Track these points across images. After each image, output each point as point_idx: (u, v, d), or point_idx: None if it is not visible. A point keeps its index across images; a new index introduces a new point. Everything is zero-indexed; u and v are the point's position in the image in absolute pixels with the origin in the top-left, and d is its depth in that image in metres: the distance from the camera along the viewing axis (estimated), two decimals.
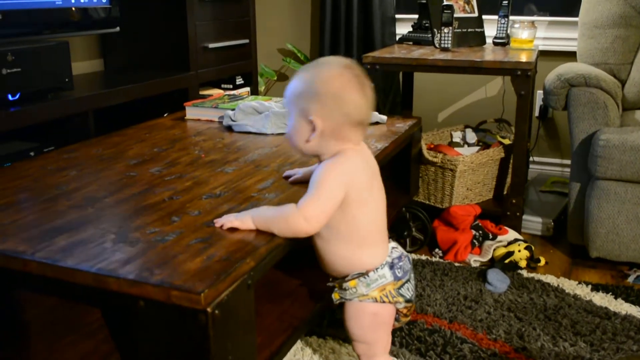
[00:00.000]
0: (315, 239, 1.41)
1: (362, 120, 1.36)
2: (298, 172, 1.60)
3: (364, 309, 1.44)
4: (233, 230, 1.27)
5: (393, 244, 1.47)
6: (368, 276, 1.40)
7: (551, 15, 3.37)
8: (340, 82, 1.32)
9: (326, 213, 1.30)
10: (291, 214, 1.28)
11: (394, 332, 1.62)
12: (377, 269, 1.40)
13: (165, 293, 1.04)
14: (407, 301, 1.44)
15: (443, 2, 2.86)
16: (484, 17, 3.05)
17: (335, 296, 1.47)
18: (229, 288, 1.09)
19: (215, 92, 3.09)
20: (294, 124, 1.37)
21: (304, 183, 1.48)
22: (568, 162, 2.64)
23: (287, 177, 1.61)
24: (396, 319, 1.49)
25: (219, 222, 1.30)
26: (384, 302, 1.42)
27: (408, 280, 1.44)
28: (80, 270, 1.11)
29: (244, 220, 1.29)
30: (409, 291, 1.44)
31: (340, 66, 1.35)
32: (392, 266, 1.42)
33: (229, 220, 1.29)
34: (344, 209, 1.34)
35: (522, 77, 2.48)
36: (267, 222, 1.28)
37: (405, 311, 1.47)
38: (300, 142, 1.38)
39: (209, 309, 1.03)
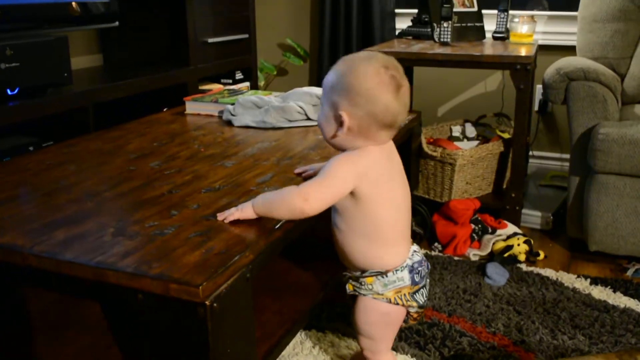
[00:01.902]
0: (334, 232, 1.42)
1: (392, 123, 1.32)
2: (311, 168, 1.58)
3: (376, 307, 1.43)
4: (233, 223, 1.27)
5: (415, 247, 1.45)
6: (387, 276, 1.39)
7: (551, 9, 3.36)
8: (374, 82, 1.29)
9: (326, 197, 1.29)
10: (290, 193, 1.28)
11: None
12: (396, 270, 1.39)
13: (164, 286, 1.05)
14: (420, 307, 1.44)
15: None
16: (483, 11, 3.04)
17: (349, 287, 1.46)
18: (227, 281, 1.09)
19: (215, 86, 3.09)
20: (325, 115, 1.36)
21: None
22: (567, 156, 2.64)
23: (299, 174, 1.58)
24: (404, 321, 1.49)
25: (220, 216, 1.30)
26: (397, 304, 1.41)
27: (424, 286, 1.43)
28: (79, 263, 1.12)
29: (244, 210, 1.29)
30: (423, 297, 1.43)
31: (379, 64, 1.30)
32: (411, 270, 1.40)
33: (231, 214, 1.30)
34: (360, 204, 1.33)
35: (521, 71, 2.48)
36: (267, 205, 1.28)
37: (415, 315, 1.47)
38: (328, 134, 1.36)
39: (207, 302, 1.04)
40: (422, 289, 1.42)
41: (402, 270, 1.39)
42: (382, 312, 1.43)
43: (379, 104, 1.29)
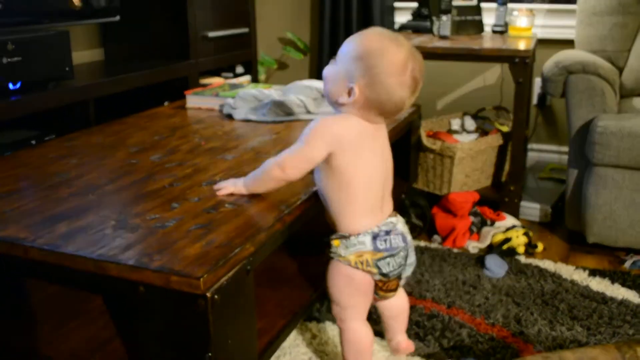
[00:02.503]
0: (319, 192, 1.46)
1: (393, 114, 1.40)
2: None
3: (339, 269, 1.47)
4: (233, 216, 1.29)
5: (393, 218, 1.48)
6: (349, 239, 1.43)
7: (549, 2, 3.37)
8: (398, 76, 1.33)
9: (301, 165, 1.38)
10: (269, 165, 1.39)
11: None
12: (358, 234, 1.42)
13: (165, 278, 1.06)
14: (383, 275, 1.45)
15: None
16: (482, 5, 3.05)
17: (327, 251, 1.50)
18: (228, 273, 1.11)
19: (216, 80, 3.10)
20: (337, 75, 1.39)
21: None
22: (566, 149, 2.65)
23: None
24: (375, 292, 1.50)
25: (216, 186, 1.44)
26: (357, 267, 1.44)
27: (392, 256, 1.44)
28: (80, 256, 1.13)
29: (237, 186, 1.42)
30: (388, 266, 1.44)
31: (409, 58, 1.34)
32: (375, 237, 1.43)
33: (226, 186, 1.42)
34: (333, 171, 1.39)
35: (520, 64, 2.48)
36: (254, 181, 1.41)
37: (380, 285, 1.48)
38: (330, 92, 1.41)
39: (208, 294, 1.05)
40: (388, 258, 1.44)
41: (364, 235, 1.43)
42: (345, 275, 1.46)
43: (393, 98, 1.35)
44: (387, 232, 1.44)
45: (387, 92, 1.34)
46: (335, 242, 1.45)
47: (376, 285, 1.49)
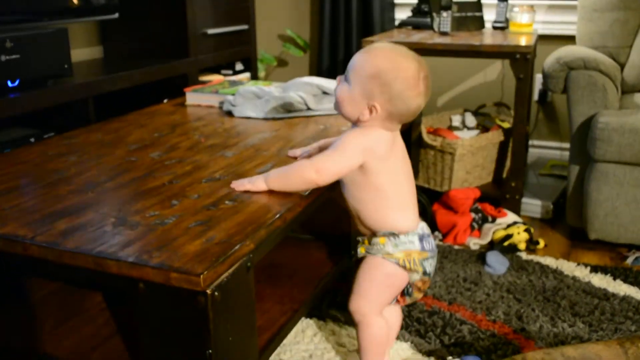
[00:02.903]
0: (347, 199, 1.50)
1: (410, 119, 1.47)
2: (305, 151, 1.64)
3: (384, 266, 1.49)
4: (233, 212, 1.28)
5: (424, 224, 1.53)
6: (398, 237, 1.46)
7: None
8: (414, 88, 1.40)
9: (336, 172, 1.41)
10: (304, 165, 1.39)
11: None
12: (408, 233, 1.47)
13: (164, 275, 1.05)
14: (425, 274, 1.49)
15: None
16: (482, 1, 3.04)
17: (362, 250, 1.53)
18: (228, 270, 1.10)
19: (215, 77, 3.09)
20: (353, 97, 1.43)
21: None
22: (567, 145, 2.64)
23: (295, 157, 1.65)
24: (408, 293, 1.54)
25: (233, 184, 1.42)
26: (404, 266, 1.47)
27: (432, 257, 1.50)
28: (80, 253, 1.12)
29: (255, 183, 1.40)
30: (430, 266, 1.50)
31: (420, 68, 1.41)
32: (421, 238, 1.48)
33: (242, 184, 1.41)
34: (367, 176, 1.44)
35: (521, 60, 2.48)
36: (281, 178, 1.40)
37: (420, 284, 1.51)
38: (352, 114, 1.45)
39: (208, 291, 1.04)
40: (430, 259, 1.50)
41: (413, 235, 1.47)
42: (387, 273, 1.49)
43: (412, 107, 1.42)
44: (428, 235, 1.51)
45: (406, 103, 1.41)
46: (381, 240, 1.48)
47: (412, 286, 1.52)
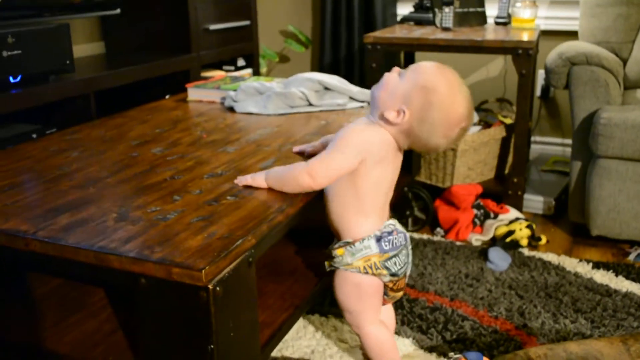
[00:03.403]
0: (324, 196, 1.47)
1: (419, 150, 1.45)
2: (310, 146, 1.62)
3: (348, 278, 1.47)
4: (234, 208, 1.28)
5: (391, 221, 1.48)
6: (354, 246, 1.43)
7: None
8: (450, 129, 1.36)
9: (333, 173, 1.36)
10: (299, 170, 1.35)
11: (395, 309, 1.64)
12: (363, 239, 1.43)
13: (166, 270, 1.05)
14: (393, 275, 1.45)
15: None
16: None
17: (327, 264, 1.51)
18: (230, 265, 1.10)
19: (217, 73, 3.09)
20: (396, 90, 1.39)
21: None
22: (569, 141, 2.64)
23: (298, 153, 1.63)
24: (385, 294, 1.51)
25: (237, 179, 1.41)
26: (367, 273, 1.44)
27: (397, 255, 1.45)
28: (82, 248, 1.12)
29: (256, 179, 1.39)
30: (395, 265, 1.45)
31: (467, 115, 1.37)
32: (379, 239, 1.43)
33: (245, 179, 1.39)
34: (354, 176, 1.39)
35: (523, 56, 2.47)
36: (278, 179, 1.37)
37: (391, 285, 1.48)
38: (383, 103, 1.40)
39: (210, 286, 1.04)
40: (394, 258, 1.45)
41: (368, 240, 1.43)
42: (354, 283, 1.47)
43: (431, 141, 1.38)
44: (390, 233, 1.45)
45: (430, 134, 1.37)
46: (339, 251, 1.45)
47: (386, 286, 1.49)
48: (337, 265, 1.47)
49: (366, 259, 1.43)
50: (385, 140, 1.40)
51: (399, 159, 1.47)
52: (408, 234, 1.52)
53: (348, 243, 1.44)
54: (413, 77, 1.38)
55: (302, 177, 1.34)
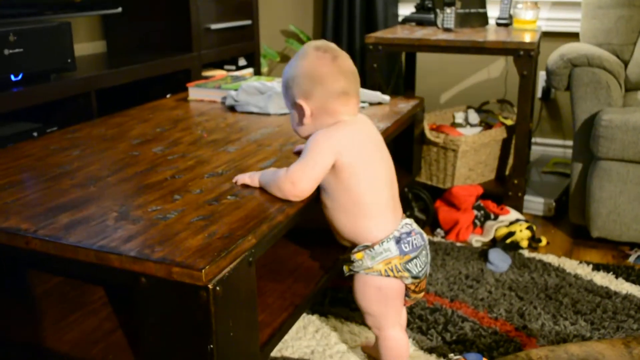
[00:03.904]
0: (323, 210, 1.47)
1: (344, 90, 1.41)
2: None
3: (369, 282, 1.46)
4: (235, 207, 1.28)
5: (407, 220, 1.48)
6: (373, 249, 1.42)
7: None
8: (309, 62, 1.41)
9: (311, 178, 1.36)
10: (281, 178, 1.36)
11: None
12: (382, 242, 1.42)
13: (166, 270, 1.05)
14: (414, 277, 1.45)
15: None
16: None
17: (346, 269, 1.50)
18: (230, 265, 1.10)
19: (218, 73, 3.09)
20: (291, 112, 1.48)
21: None
22: (570, 143, 2.64)
23: (298, 153, 1.64)
24: (406, 295, 1.51)
25: (235, 178, 1.44)
26: (388, 276, 1.43)
27: (417, 257, 1.44)
28: (82, 247, 1.12)
29: (253, 179, 1.41)
30: (416, 267, 1.44)
31: (310, 48, 1.43)
32: (398, 240, 1.42)
33: (243, 178, 1.41)
34: (338, 177, 1.39)
35: (524, 57, 2.47)
36: (266, 184, 1.38)
37: (413, 287, 1.48)
38: (298, 127, 1.47)
39: (210, 286, 1.04)
40: (415, 260, 1.44)
41: (388, 242, 1.42)
42: (375, 287, 1.46)
43: (322, 77, 1.40)
44: (408, 234, 1.44)
45: (312, 78, 1.40)
46: (358, 256, 1.44)
47: (407, 288, 1.49)
48: (357, 270, 1.46)
49: (387, 262, 1.42)
50: (348, 133, 1.41)
51: (378, 144, 1.48)
52: (425, 234, 1.51)
53: (367, 247, 1.43)
54: (282, 85, 1.48)
55: (284, 184, 1.34)
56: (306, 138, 1.45)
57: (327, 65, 1.40)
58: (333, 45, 1.44)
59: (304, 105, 1.41)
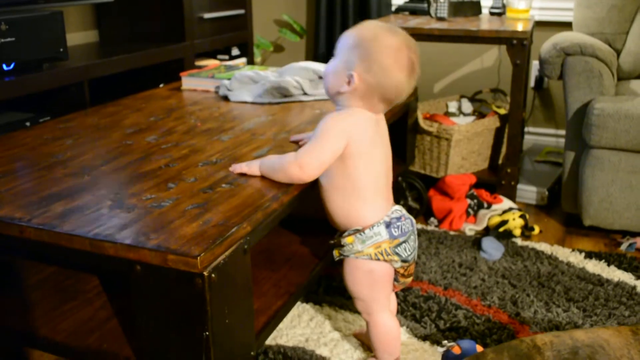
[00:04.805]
0: (319, 189, 1.47)
1: (394, 100, 1.41)
2: (307, 136, 1.62)
3: (359, 266, 1.47)
4: (230, 195, 1.28)
5: (397, 206, 1.49)
6: (364, 233, 1.43)
7: None
8: (395, 58, 1.36)
9: (321, 162, 1.37)
10: (288, 162, 1.36)
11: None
12: (373, 226, 1.43)
13: (161, 257, 1.06)
14: (403, 260, 1.46)
15: None
16: None
17: (336, 253, 1.51)
18: (225, 252, 1.10)
19: (211, 62, 3.08)
20: (335, 68, 1.42)
21: None
22: (563, 132, 2.65)
23: (295, 142, 1.64)
24: (395, 280, 1.52)
25: (231, 167, 1.43)
26: (378, 259, 1.44)
27: (406, 241, 1.46)
28: (77, 235, 1.12)
29: (251, 167, 1.40)
30: (405, 251, 1.46)
31: (403, 42, 1.38)
32: (388, 225, 1.43)
33: (240, 167, 1.41)
34: (344, 161, 1.40)
35: (517, 46, 2.47)
36: (270, 169, 1.38)
37: (402, 271, 1.49)
38: (332, 86, 1.43)
39: (205, 273, 1.05)
40: (404, 244, 1.46)
41: (378, 226, 1.43)
42: (365, 270, 1.47)
43: (391, 79, 1.37)
44: (398, 219, 1.46)
45: (385, 74, 1.36)
46: (348, 240, 1.45)
47: (396, 272, 1.50)
48: (347, 254, 1.47)
49: (377, 246, 1.44)
50: (361, 119, 1.41)
51: (381, 134, 1.47)
52: (414, 220, 1.52)
53: (357, 230, 1.44)
54: (340, 48, 1.42)
55: (292, 168, 1.35)
56: (329, 95, 1.46)
57: (404, 74, 1.37)
58: (418, 53, 1.40)
59: (355, 80, 1.37)
